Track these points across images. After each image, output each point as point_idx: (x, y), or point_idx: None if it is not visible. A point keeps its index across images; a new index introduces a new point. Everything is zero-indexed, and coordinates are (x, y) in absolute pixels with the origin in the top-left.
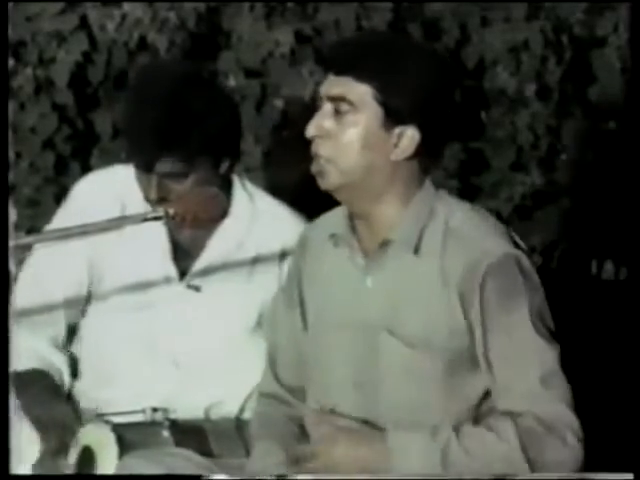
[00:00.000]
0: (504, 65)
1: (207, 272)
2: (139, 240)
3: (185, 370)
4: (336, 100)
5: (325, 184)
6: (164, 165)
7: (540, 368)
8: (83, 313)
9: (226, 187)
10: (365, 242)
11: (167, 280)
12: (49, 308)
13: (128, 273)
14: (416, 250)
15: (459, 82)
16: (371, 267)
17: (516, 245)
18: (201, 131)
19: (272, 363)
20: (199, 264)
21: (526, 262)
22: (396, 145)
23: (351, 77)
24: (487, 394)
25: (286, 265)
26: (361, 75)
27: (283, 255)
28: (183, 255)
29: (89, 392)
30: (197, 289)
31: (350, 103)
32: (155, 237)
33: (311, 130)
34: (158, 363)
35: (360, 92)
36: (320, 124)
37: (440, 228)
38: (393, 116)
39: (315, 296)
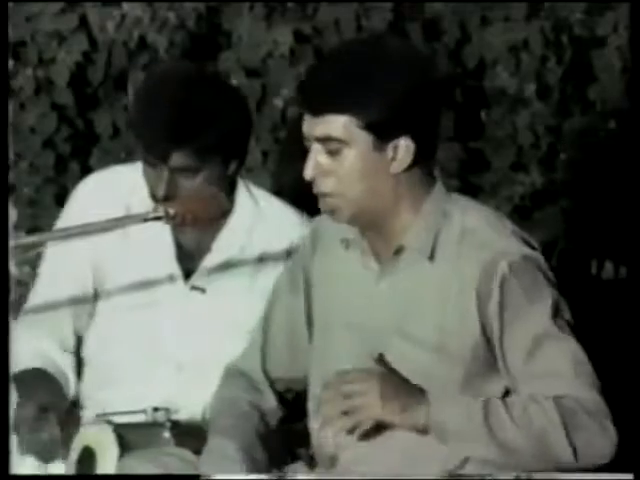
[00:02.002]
0: (504, 65)
1: (211, 273)
2: (143, 241)
3: (187, 371)
4: (324, 140)
5: (341, 218)
6: (178, 158)
7: (568, 357)
8: (90, 315)
9: (229, 189)
10: (377, 246)
11: (172, 281)
12: (56, 309)
13: (132, 274)
14: (431, 256)
15: (437, 74)
16: (384, 272)
17: (531, 246)
18: (215, 127)
19: (263, 343)
20: (203, 265)
21: (544, 264)
22: (393, 159)
23: (330, 114)
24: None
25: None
26: (338, 109)
27: (288, 256)
28: (187, 256)
29: (92, 393)
30: (202, 290)
31: (338, 140)
32: (159, 238)
33: (309, 172)
34: (161, 364)
35: (344, 125)
36: (316, 163)
37: (455, 232)
38: (384, 135)
39: (324, 295)
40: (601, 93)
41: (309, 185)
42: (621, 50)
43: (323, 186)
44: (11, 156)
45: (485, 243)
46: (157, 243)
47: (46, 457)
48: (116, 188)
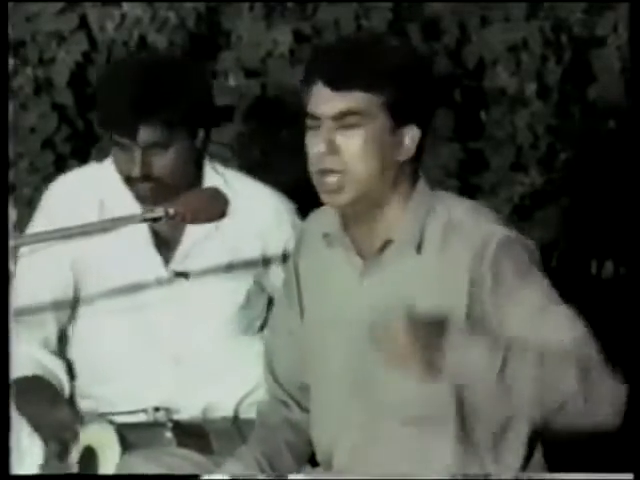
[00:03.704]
0: (504, 65)
1: (190, 256)
2: (121, 234)
3: (183, 363)
4: (344, 116)
5: (342, 200)
6: (147, 134)
7: (571, 332)
8: (73, 315)
9: (197, 172)
10: (361, 242)
11: (154, 270)
12: (38, 312)
13: (114, 270)
14: (418, 248)
15: (447, 93)
16: (369, 267)
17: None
18: (179, 98)
19: (269, 364)
20: (181, 250)
21: (530, 244)
22: (401, 145)
23: (354, 90)
24: None
25: (267, 240)
26: (363, 85)
27: (263, 231)
28: (165, 244)
29: (86, 391)
30: (186, 275)
31: (360, 114)
32: (136, 229)
33: (321, 147)
34: (154, 357)
35: (368, 102)
36: (330, 138)
37: (440, 224)
38: (399, 119)
39: (311, 294)
40: (601, 93)
41: (306, 185)
42: (621, 50)
43: (331, 163)
44: (11, 156)
45: (471, 231)
46: (134, 234)
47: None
48: (87, 185)
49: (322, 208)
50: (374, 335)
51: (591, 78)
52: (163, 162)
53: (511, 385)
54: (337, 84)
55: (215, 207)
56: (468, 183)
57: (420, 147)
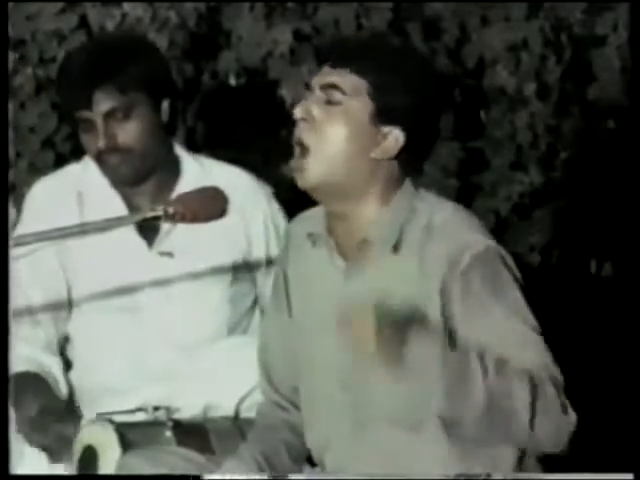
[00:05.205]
0: (504, 64)
1: (173, 236)
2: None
3: (180, 360)
4: (329, 88)
5: (304, 180)
6: (102, 100)
7: (530, 356)
8: (69, 313)
9: (175, 161)
10: (343, 242)
11: (139, 254)
12: (34, 312)
13: (104, 263)
14: (395, 249)
15: (448, 93)
16: (350, 267)
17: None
18: (129, 63)
19: (264, 368)
20: (163, 230)
21: (508, 256)
22: (380, 144)
23: (348, 69)
24: None
25: (247, 219)
26: (359, 69)
27: (241, 206)
28: (147, 226)
29: (84, 388)
30: (170, 255)
31: (343, 92)
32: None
33: (298, 112)
34: (150, 355)
35: (355, 84)
36: (309, 108)
37: (421, 226)
38: (383, 114)
39: (298, 295)
40: (601, 93)
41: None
42: (621, 50)
43: (304, 133)
44: (11, 156)
45: (451, 237)
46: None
47: (54, 455)
48: (63, 181)
49: (308, 210)
50: (342, 320)
51: (591, 78)
52: (126, 131)
53: (468, 390)
54: (332, 59)
55: (215, 206)
56: (468, 182)
57: (412, 152)
